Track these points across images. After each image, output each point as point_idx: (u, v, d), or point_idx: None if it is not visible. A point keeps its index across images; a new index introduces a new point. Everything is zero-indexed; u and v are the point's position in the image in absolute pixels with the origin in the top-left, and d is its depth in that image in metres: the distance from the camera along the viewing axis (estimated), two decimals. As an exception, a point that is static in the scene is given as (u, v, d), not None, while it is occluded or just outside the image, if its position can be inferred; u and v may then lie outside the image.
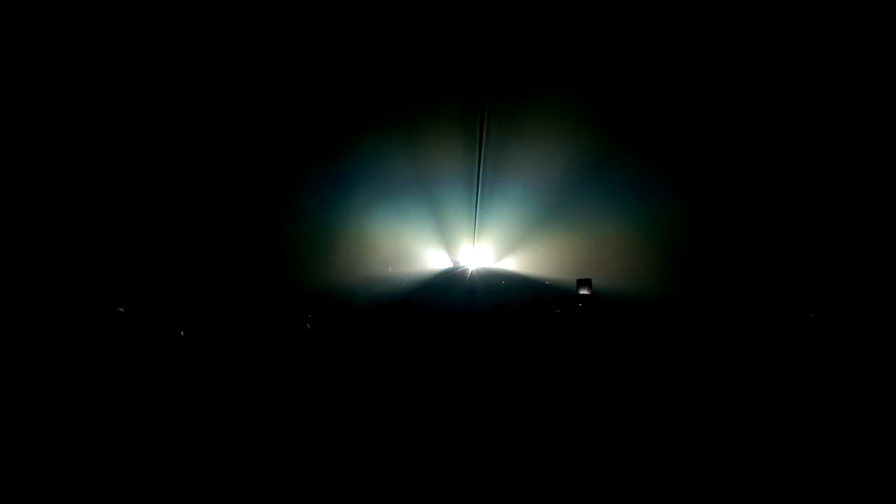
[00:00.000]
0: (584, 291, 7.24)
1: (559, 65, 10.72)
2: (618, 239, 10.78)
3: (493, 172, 11.30)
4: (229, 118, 11.12)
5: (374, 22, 10.69)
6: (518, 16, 10.44)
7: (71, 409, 4.15)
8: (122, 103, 10.36)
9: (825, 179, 9.57)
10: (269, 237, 11.50)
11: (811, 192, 9.62)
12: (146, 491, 3.02)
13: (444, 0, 10.50)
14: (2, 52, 9.24)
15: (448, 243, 11.92)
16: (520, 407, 4.37)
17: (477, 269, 11.62)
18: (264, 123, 11.39)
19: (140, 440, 3.65)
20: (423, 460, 3.37)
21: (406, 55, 10.96)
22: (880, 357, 5.31)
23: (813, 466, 3.15)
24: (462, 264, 11.85)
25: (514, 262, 11.72)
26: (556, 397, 4.65)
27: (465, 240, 11.93)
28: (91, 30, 9.73)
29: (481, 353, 6.24)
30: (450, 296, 10.57)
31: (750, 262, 9.87)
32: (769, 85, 9.93)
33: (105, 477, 3.14)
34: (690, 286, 9.38)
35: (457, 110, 11.20)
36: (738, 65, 9.99)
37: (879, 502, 2.81)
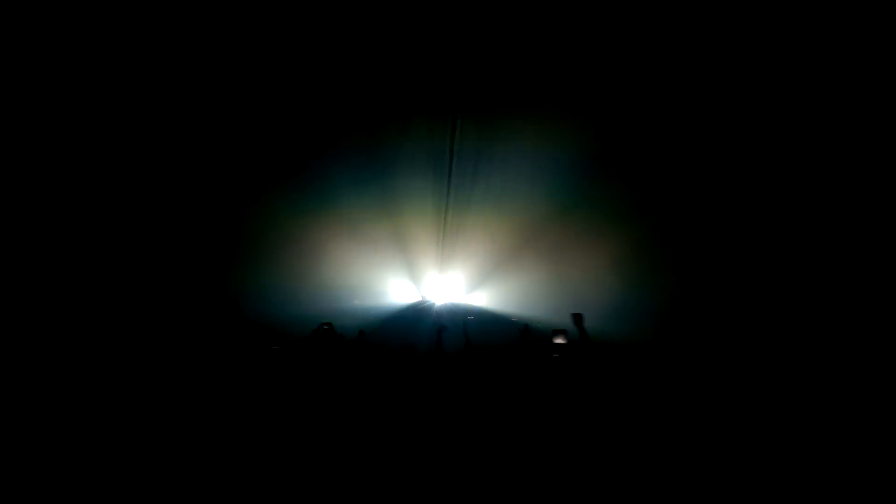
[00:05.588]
0: (558, 341, 6.14)
1: (535, 82, 9.71)
2: (600, 270, 9.65)
3: (461, 200, 10.17)
4: (175, 136, 9.92)
5: (337, 42, 9.66)
6: (490, 34, 9.47)
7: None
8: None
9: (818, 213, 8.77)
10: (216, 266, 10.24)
11: (810, 223, 8.75)
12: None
13: (411, 19, 9.56)
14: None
15: (413, 272, 10.70)
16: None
17: (443, 305, 10.42)
18: (217, 145, 10.21)
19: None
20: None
21: (371, 71, 9.89)
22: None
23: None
24: (427, 297, 10.64)
25: (485, 295, 10.53)
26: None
27: (432, 268, 10.73)
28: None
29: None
30: (414, 332, 9.32)
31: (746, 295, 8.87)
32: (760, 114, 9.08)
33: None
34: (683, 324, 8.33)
35: (424, 127, 10.04)
36: (724, 89, 9.10)
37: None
